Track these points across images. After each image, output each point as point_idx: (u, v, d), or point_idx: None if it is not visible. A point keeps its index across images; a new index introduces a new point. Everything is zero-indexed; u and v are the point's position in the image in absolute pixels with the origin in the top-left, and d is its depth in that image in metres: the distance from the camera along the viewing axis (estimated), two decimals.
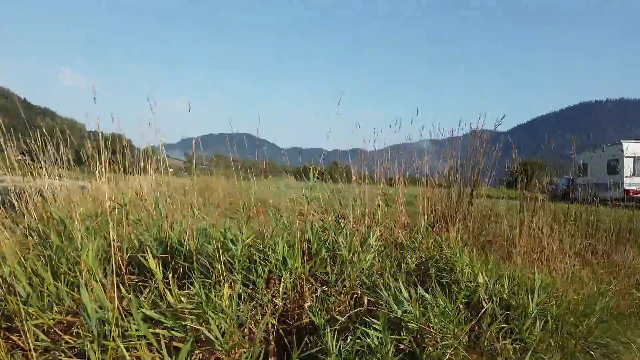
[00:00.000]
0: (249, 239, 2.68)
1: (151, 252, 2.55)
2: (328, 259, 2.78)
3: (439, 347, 2.18)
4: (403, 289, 2.41)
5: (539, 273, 2.88)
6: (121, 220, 3.00)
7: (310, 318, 2.41)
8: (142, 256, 2.40)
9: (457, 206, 4.53)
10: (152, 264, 2.27)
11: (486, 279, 2.76)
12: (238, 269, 2.50)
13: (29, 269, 2.41)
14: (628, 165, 16.11)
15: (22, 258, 2.50)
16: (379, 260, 3.05)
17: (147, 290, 2.33)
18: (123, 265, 2.52)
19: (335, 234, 2.96)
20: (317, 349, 2.14)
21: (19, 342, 2.06)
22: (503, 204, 5.18)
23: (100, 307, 1.89)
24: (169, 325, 2.03)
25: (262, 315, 2.34)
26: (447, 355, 2.17)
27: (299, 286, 2.55)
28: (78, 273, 2.23)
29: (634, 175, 16.06)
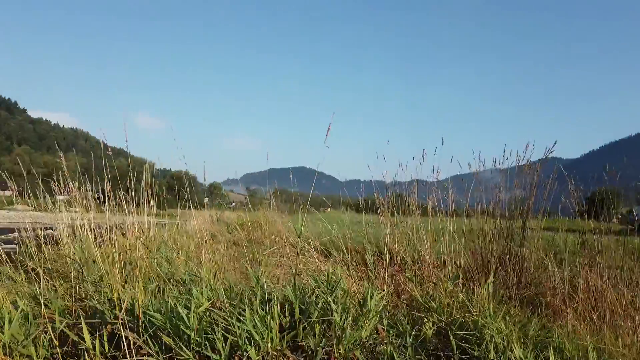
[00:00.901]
0: (208, 303, 2.28)
1: (97, 318, 2.31)
2: (318, 326, 2.30)
3: None
4: None
5: (596, 342, 2.32)
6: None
7: None
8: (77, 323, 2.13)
9: (503, 247, 3.88)
10: (86, 335, 2.04)
11: (522, 354, 2.13)
12: (193, 344, 2.12)
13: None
14: None
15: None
16: (386, 326, 2.51)
17: None
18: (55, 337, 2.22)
19: (324, 293, 2.45)
20: None
21: None
22: (567, 239, 4.30)
23: None
24: None
25: None
26: None
27: None
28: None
29: None
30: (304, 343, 2.26)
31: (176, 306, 2.17)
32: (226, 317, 2.23)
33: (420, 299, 2.86)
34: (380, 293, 2.52)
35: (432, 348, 2.45)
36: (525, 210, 4.01)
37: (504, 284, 3.54)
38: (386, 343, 2.32)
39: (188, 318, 2.14)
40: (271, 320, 2.18)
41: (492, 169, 4.28)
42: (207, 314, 2.29)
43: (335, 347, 2.20)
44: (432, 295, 2.91)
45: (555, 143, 3.79)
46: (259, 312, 2.22)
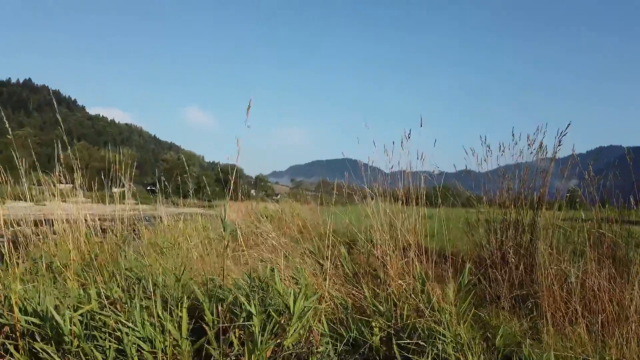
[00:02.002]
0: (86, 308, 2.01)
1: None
2: (237, 331, 2.04)
3: None
4: None
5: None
6: None
7: None
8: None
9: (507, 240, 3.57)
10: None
11: None
12: (72, 352, 1.89)
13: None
14: None
15: None
16: (327, 331, 2.23)
17: None
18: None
19: (255, 291, 2.20)
20: None
21: None
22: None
23: None
24: None
25: None
26: None
27: None
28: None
29: None
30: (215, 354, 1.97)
31: (49, 307, 1.90)
32: (120, 320, 1.94)
33: (369, 300, 2.51)
34: (315, 294, 2.23)
35: (379, 357, 2.14)
36: (537, 199, 3.73)
37: (496, 282, 3.25)
38: (319, 352, 2.05)
39: (64, 320, 1.87)
40: (172, 325, 1.90)
41: (543, 158, 3.95)
42: (88, 316, 2.03)
43: (247, 357, 1.89)
44: (386, 296, 2.56)
45: (569, 125, 3.52)
46: (162, 315, 1.94)
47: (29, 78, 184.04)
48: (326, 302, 2.55)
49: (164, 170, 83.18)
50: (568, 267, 2.67)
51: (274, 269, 2.41)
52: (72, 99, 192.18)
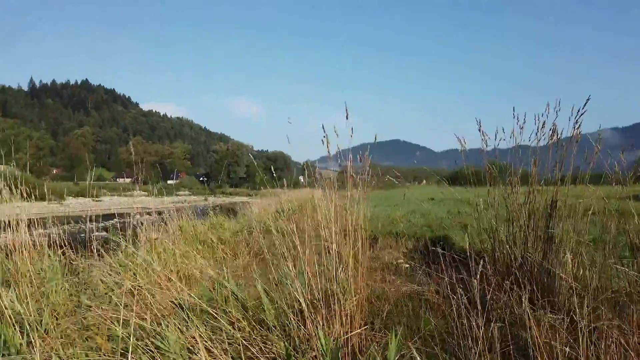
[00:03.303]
0: None
1: None
2: None
3: None
4: None
5: None
6: None
7: None
8: None
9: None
10: None
11: None
12: None
13: None
14: None
15: None
16: None
17: None
18: None
19: None
20: None
21: None
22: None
23: None
24: None
25: None
26: None
27: None
28: None
29: None
30: None
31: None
32: None
33: (268, 315, 2.33)
34: None
35: None
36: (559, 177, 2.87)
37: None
38: None
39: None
40: None
41: (606, 129, 3.56)
42: None
43: None
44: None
45: (589, 99, 2.87)
46: None
47: (86, 79, 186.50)
48: None
49: (214, 161, 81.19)
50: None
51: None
52: (127, 96, 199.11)
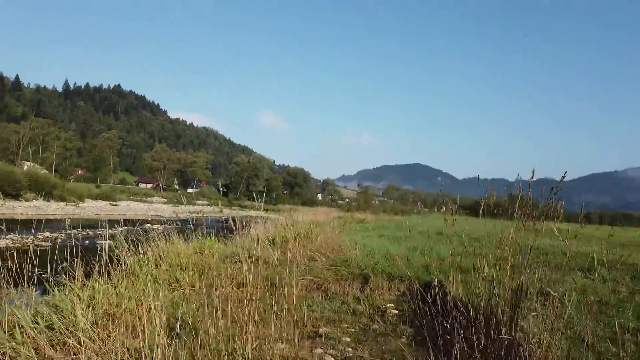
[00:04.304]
0: None
1: None
2: None
3: None
4: None
5: None
6: None
7: None
8: None
9: None
10: None
11: None
12: None
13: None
14: None
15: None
16: None
17: None
18: None
19: None
20: None
21: None
22: None
23: None
24: None
25: None
26: None
27: None
28: None
29: None
30: None
31: None
32: None
33: None
34: None
35: None
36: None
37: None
38: None
39: None
40: None
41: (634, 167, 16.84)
42: None
43: None
44: None
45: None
46: None
47: (119, 84, 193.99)
48: None
49: (235, 172, 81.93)
50: None
51: None
52: (156, 103, 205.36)
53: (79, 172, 76.61)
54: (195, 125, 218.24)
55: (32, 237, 7.18)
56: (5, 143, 58.89)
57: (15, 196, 28.92)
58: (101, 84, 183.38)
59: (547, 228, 2.96)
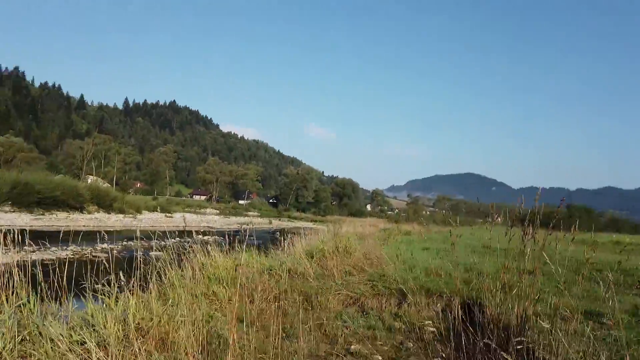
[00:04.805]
0: None
1: None
2: None
3: None
4: None
5: None
6: None
7: None
8: None
9: None
10: None
11: None
12: None
13: None
14: None
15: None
16: None
17: None
18: None
19: None
20: None
21: None
22: None
23: None
24: None
25: None
26: None
27: None
28: None
29: None
30: None
31: None
32: None
33: None
34: None
35: None
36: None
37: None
38: None
39: None
40: None
41: None
42: None
43: None
44: None
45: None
46: None
47: (174, 100, 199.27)
48: None
49: (284, 184, 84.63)
50: None
51: None
52: (208, 117, 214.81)
53: (138, 185, 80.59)
54: (246, 138, 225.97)
55: (91, 248, 8.06)
56: (71, 158, 65.70)
57: (79, 209, 31.11)
58: (157, 100, 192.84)
59: (606, 240, 2.80)
